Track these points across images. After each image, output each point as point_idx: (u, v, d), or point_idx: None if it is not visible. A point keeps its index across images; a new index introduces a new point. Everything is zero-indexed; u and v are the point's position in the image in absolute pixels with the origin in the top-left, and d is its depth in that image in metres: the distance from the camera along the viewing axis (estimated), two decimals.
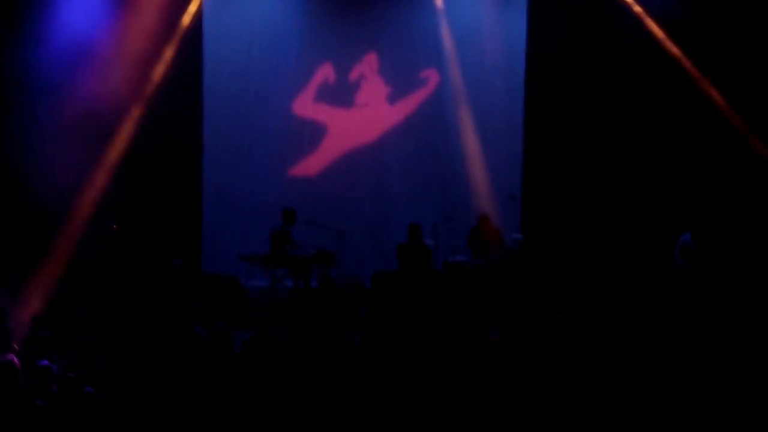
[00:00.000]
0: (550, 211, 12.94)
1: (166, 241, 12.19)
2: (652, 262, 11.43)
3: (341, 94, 13.50)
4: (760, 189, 11.79)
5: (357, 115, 13.52)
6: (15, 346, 7.81)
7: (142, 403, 5.73)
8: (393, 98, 13.50)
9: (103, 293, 10.38)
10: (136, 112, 12.19)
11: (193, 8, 12.63)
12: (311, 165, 13.48)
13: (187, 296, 11.20)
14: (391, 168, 13.55)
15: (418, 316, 10.15)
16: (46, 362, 7.00)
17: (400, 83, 13.52)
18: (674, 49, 12.31)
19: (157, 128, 12.31)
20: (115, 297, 10.39)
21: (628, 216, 12.36)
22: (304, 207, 12.20)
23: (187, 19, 12.58)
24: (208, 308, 10.38)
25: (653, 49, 12.43)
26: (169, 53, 12.43)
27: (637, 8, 12.43)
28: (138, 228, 12.00)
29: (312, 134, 13.45)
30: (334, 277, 11.81)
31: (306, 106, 13.41)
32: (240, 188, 13.02)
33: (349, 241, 12.41)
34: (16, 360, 6.91)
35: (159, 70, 12.38)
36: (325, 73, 13.41)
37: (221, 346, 7.51)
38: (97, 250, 11.21)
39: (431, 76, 13.52)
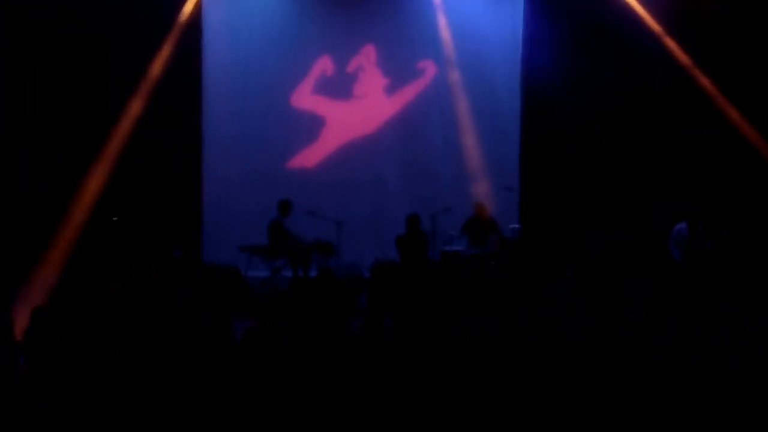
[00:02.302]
0: (548, 201, 13.00)
1: (167, 232, 12.23)
2: (649, 251, 11.49)
3: (339, 86, 13.55)
4: (756, 180, 11.85)
5: (355, 107, 13.58)
6: (17, 337, 7.88)
7: (144, 393, 5.76)
8: (391, 90, 13.56)
9: (105, 284, 10.44)
10: (136, 105, 12.24)
11: (192, 1, 12.68)
12: (310, 156, 13.54)
13: (188, 286, 11.28)
14: (390, 159, 13.61)
15: (417, 306, 10.24)
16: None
17: (397, 75, 13.57)
18: (670, 38, 12.36)
19: (157, 121, 12.38)
20: (117, 288, 10.45)
21: (626, 204, 12.41)
22: (303, 198, 12.26)
23: (186, 11, 12.63)
24: (209, 298, 10.47)
25: (650, 37, 12.46)
26: (168, 46, 12.49)
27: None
28: (139, 219, 12.05)
29: (311, 126, 13.51)
30: (333, 267, 11.86)
31: (304, 98, 13.46)
32: (239, 180, 13.07)
33: (347, 231, 12.45)
34: None
35: (159, 63, 12.44)
36: (324, 65, 13.46)
37: (223, 335, 7.56)
38: (98, 242, 11.27)
39: (428, 68, 13.57)
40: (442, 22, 13.30)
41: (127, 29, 12.20)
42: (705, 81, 12.19)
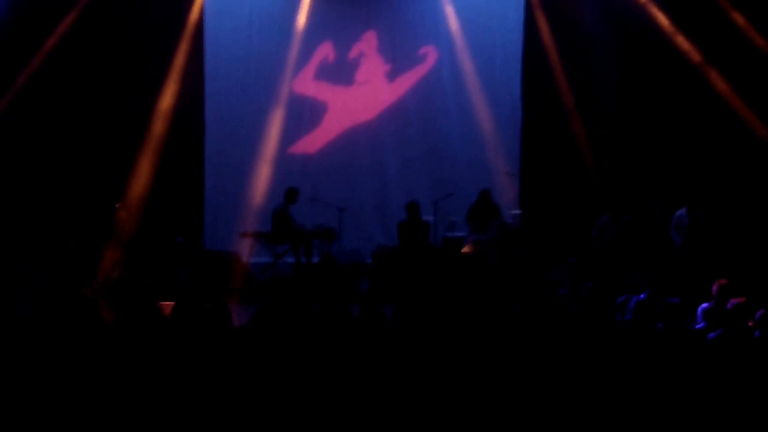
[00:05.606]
0: (549, 186, 13.02)
1: (169, 218, 12.27)
2: (650, 239, 11.51)
3: (341, 72, 13.58)
4: (755, 168, 11.88)
5: (357, 93, 13.60)
6: None
7: (147, 379, 5.80)
8: (392, 76, 13.58)
9: (107, 271, 10.49)
10: (137, 91, 12.25)
11: None
12: (312, 142, 13.57)
13: (190, 272, 11.34)
14: (391, 144, 13.65)
15: (417, 292, 10.29)
16: None
17: (399, 61, 13.59)
18: (674, 28, 12.35)
19: (159, 107, 12.39)
20: (119, 274, 10.51)
21: (627, 192, 12.42)
22: (304, 184, 12.31)
23: None
24: (210, 284, 10.52)
25: (654, 23, 12.44)
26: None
27: None
28: (141, 206, 12.07)
29: (312, 112, 13.54)
30: (335, 253, 11.91)
31: (306, 84, 13.49)
32: (241, 166, 13.07)
33: (349, 217, 12.51)
34: None
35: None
36: (325, 51, 13.48)
37: (223, 321, 7.59)
38: (100, 228, 11.31)
39: (430, 53, 13.59)
40: (443, 7, 13.30)
41: (127, 15, 12.19)
42: (710, 72, 12.16)
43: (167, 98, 12.47)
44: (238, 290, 10.46)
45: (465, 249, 11.44)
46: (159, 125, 12.45)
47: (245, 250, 11.96)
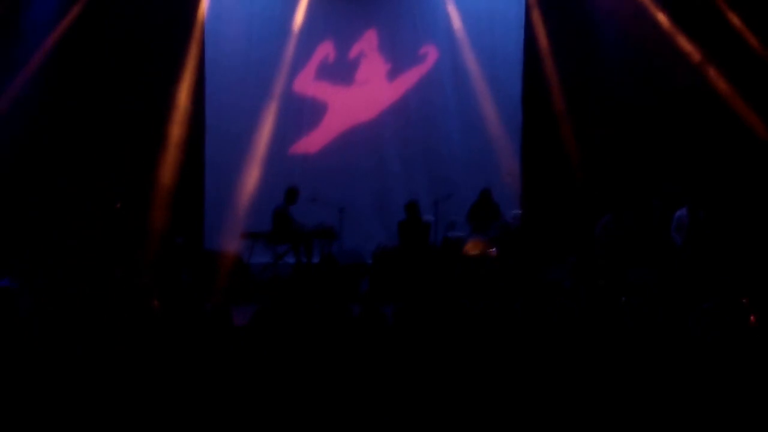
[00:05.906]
0: (549, 186, 13.01)
1: (169, 219, 12.25)
2: (650, 239, 11.52)
3: (341, 72, 13.58)
4: (755, 168, 11.88)
5: (357, 92, 13.60)
6: None
7: (147, 377, 5.80)
8: (392, 75, 13.59)
9: (109, 271, 10.50)
10: (137, 92, 12.23)
11: None
12: (312, 142, 13.58)
13: (190, 272, 11.35)
14: (392, 144, 13.65)
15: (417, 292, 10.31)
16: None
17: (399, 60, 13.60)
18: (673, 26, 12.35)
19: (159, 107, 12.38)
20: (120, 275, 10.51)
21: (627, 192, 12.42)
22: (305, 184, 12.29)
23: None
24: (210, 284, 10.53)
25: (653, 21, 12.43)
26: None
27: None
28: (141, 206, 12.07)
29: (312, 112, 13.53)
30: (335, 253, 11.92)
31: (306, 83, 13.49)
32: (241, 166, 13.05)
33: (350, 217, 12.50)
34: None
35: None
36: (326, 51, 13.48)
37: (223, 321, 7.60)
38: (101, 228, 11.31)
39: (430, 53, 13.59)
40: (444, 6, 13.30)
41: (129, 15, 12.18)
42: (710, 71, 12.15)
43: (177, 98, 12.42)
44: (237, 290, 10.46)
45: (472, 249, 11.43)
46: (161, 125, 12.43)
47: (245, 250, 11.98)
